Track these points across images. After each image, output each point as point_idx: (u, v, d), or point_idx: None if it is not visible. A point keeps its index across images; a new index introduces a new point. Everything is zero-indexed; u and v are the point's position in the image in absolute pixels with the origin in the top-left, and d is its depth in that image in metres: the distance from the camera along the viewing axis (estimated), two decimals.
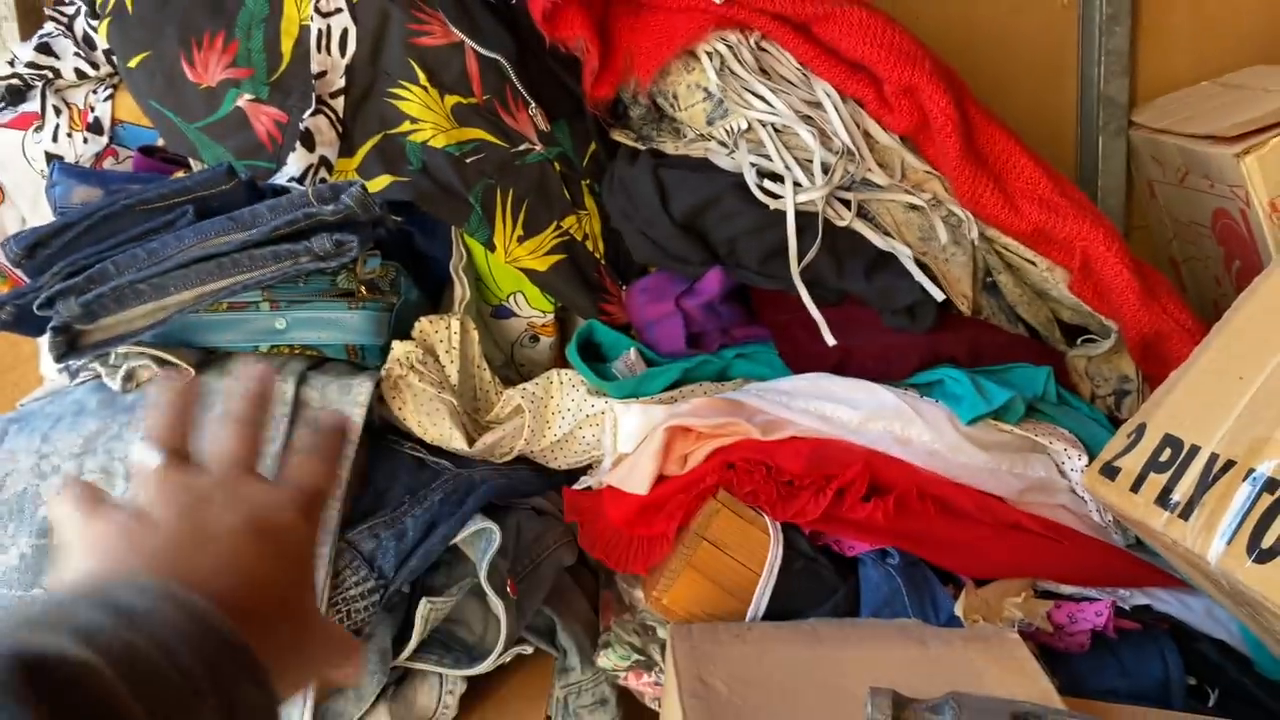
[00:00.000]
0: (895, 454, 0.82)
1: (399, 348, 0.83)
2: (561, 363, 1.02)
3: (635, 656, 0.87)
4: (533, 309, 0.96)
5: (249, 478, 0.45)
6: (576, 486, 0.90)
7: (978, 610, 0.81)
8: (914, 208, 0.91)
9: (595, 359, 0.91)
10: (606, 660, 0.86)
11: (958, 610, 0.81)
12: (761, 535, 0.81)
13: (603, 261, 0.93)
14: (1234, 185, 1.03)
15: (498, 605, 0.76)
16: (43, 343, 0.95)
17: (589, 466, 0.94)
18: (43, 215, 0.95)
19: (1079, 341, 1.00)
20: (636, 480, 0.83)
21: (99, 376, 0.79)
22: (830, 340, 0.84)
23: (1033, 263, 0.94)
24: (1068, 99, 1.28)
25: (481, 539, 0.78)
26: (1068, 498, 0.88)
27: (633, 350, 0.88)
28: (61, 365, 0.81)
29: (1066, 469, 0.89)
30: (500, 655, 0.76)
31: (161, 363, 0.76)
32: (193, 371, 0.77)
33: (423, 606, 0.73)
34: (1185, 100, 1.21)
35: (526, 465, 0.91)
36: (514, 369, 1.01)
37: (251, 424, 0.47)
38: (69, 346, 0.70)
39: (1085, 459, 0.86)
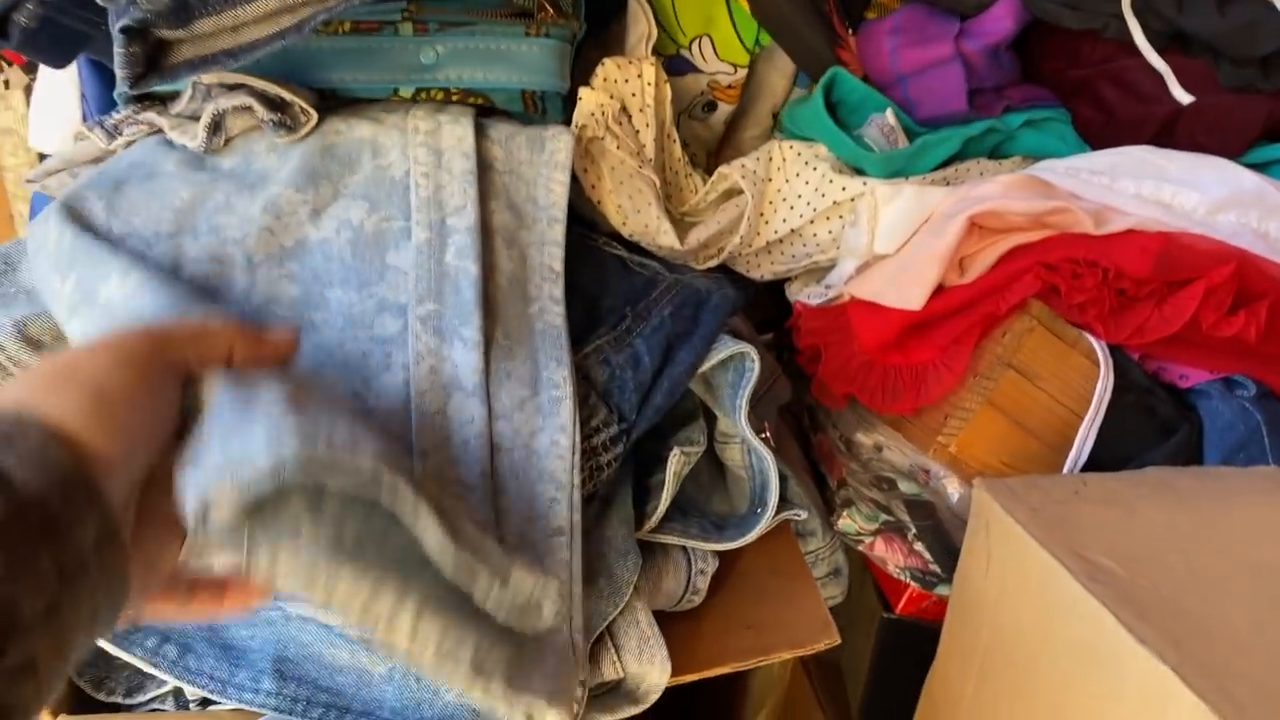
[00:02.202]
0: (1258, 252, 0.62)
1: (590, 98, 0.59)
2: (724, 147, 0.79)
3: (883, 517, 0.67)
4: (721, 61, 0.71)
5: None
6: (804, 299, 0.68)
7: None
8: None
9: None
10: (850, 523, 0.67)
11: None
12: (1084, 362, 0.61)
13: None
14: None
15: (765, 456, 0.55)
16: (40, 99, 0.67)
17: (786, 280, 0.72)
18: None
19: None
20: (910, 291, 0.61)
21: (159, 132, 0.53)
22: (1183, 95, 0.62)
23: None
24: None
25: (730, 368, 0.56)
26: None
27: (889, 111, 0.64)
28: (97, 121, 0.55)
29: None
30: (771, 520, 0.55)
31: (271, 104, 0.50)
32: (314, 117, 0.51)
33: (674, 459, 0.52)
34: None
35: (726, 273, 0.69)
36: None
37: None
38: (149, 65, 0.44)
39: None
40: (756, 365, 0.54)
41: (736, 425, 0.54)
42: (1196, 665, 0.42)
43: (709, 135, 0.77)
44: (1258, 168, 0.67)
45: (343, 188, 0.49)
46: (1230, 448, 0.61)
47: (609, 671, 0.48)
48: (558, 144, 0.54)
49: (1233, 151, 0.66)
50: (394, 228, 0.49)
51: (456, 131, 0.51)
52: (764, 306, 0.78)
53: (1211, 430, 0.62)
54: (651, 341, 0.53)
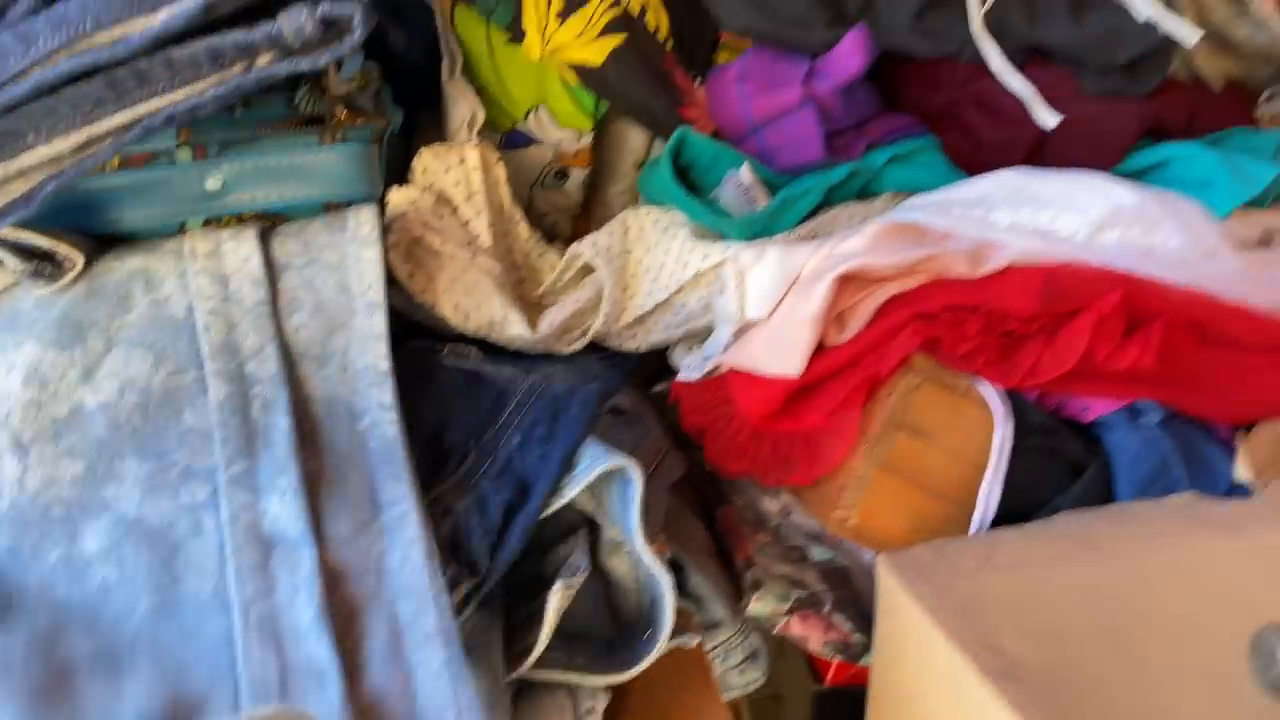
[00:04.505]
0: (1146, 272, 0.58)
1: (399, 196, 0.54)
2: (591, 207, 0.74)
3: (796, 593, 0.63)
4: (563, 130, 0.66)
5: None
6: (684, 375, 0.63)
7: (1266, 468, 0.60)
8: None
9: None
10: (762, 606, 0.62)
11: (1242, 473, 0.59)
12: (979, 412, 0.57)
13: (669, 47, 0.63)
14: None
15: (660, 579, 0.50)
16: None
17: (665, 348, 0.67)
18: None
19: (1264, 98, 0.77)
20: (787, 356, 0.57)
21: None
22: (1047, 118, 0.58)
23: None
24: None
25: (613, 485, 0.51)
26: None
27: (745, 167, 0.60)
28: None
29: None
30: (662, 646, 0.50)
31: (25, 254, 0.44)
32: (80, 260, 0.45)
33: (556, 594, 0.47)
34: None
35: (593, 351, 0.64)
36: (532, 220, 0.71)
37: None
38: None
39: None
40: (638, 481, 0.49)
41: (629, 541, 0.50)
42: None
43: (568, 202, 0.72)
44: (1138, 174, 0.64)
45: (116, 334, 0.44)
46: (1142, 480, 0.57)
47: None
48: (360, 219, 0.49)
49: (1109, 162, 0.63)
50: (186, 383, 0.44)
51: (241, 251, 0.46)
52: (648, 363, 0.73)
53: (1121, 464, 0.58)
54: (500, 481, 0.48)
